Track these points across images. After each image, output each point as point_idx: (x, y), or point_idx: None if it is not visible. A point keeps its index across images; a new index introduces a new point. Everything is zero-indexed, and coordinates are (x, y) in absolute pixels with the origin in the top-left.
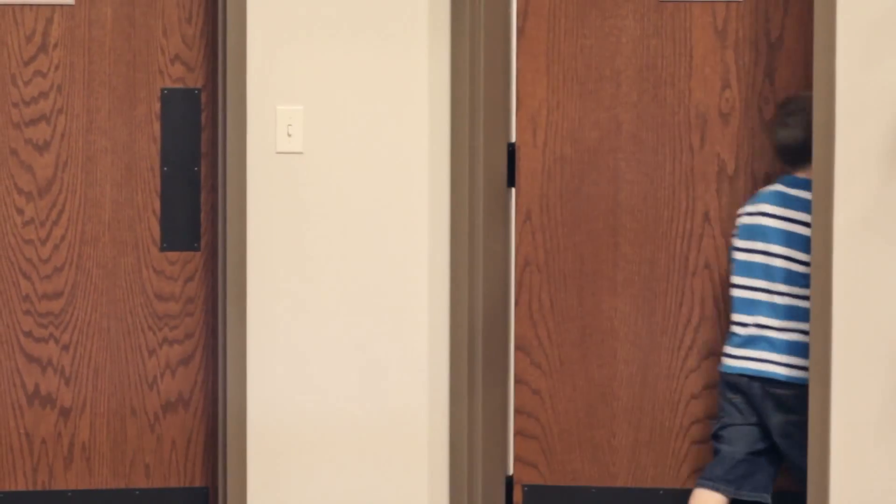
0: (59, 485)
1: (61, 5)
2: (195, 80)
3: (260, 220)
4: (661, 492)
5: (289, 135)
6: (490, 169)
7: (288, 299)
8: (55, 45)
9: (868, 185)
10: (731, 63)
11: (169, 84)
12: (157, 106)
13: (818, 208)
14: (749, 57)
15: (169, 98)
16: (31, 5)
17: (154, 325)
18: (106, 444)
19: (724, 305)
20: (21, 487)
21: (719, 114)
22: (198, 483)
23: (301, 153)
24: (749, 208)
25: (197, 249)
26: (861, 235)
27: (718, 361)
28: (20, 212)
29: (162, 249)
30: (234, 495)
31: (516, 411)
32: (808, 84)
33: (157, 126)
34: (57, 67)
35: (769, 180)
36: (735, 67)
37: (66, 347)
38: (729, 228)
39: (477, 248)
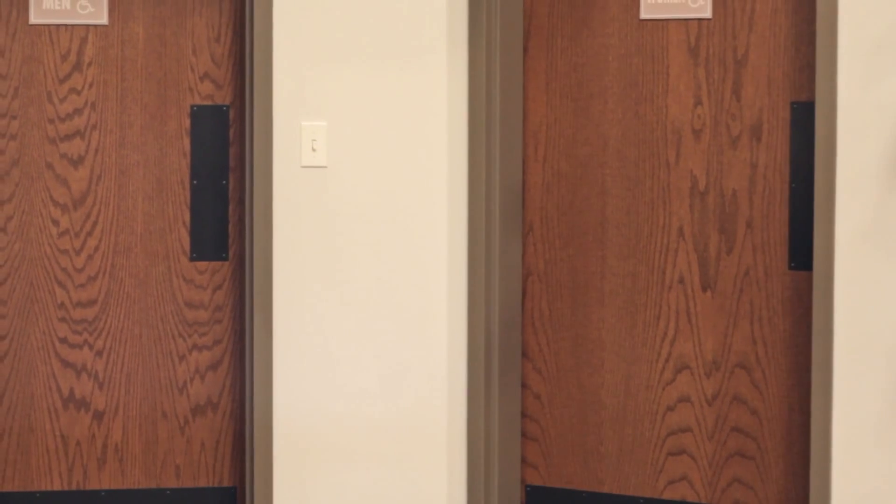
0: (93, 485)
1: (95, 25)
2: (224, 97)
3: (285, 232)
4: (642, 501)
5: (313, 150)
6: (506, 182)
7: (312, 307)
8: (89, 64)
9: (868, 198)
10: (703, 80)
11: (198, 101)
12: (186, 122)
13: (820, 220)
14: (718, 74)
15: (198, 114)
16: (66, 25)
17: (184, 331)
18: (138, 446)
19: (696, 321)
20: (57, 487)
21: (692, 130)
22: (226, 483)
23: (325, 167)
24: None
25: (225, 259)
26: (862, 246)
27: (690, 376)
28: (56, 223)
29: (192, 259)
30: (261, 494)
31: (521, 414)
32: (771, 100)
33: (186, 141)
34: (91, 85)
35: (736, 197)
36: (706, 84)
37: (99, 353)
38: (701, 244)
39: (493, 258)
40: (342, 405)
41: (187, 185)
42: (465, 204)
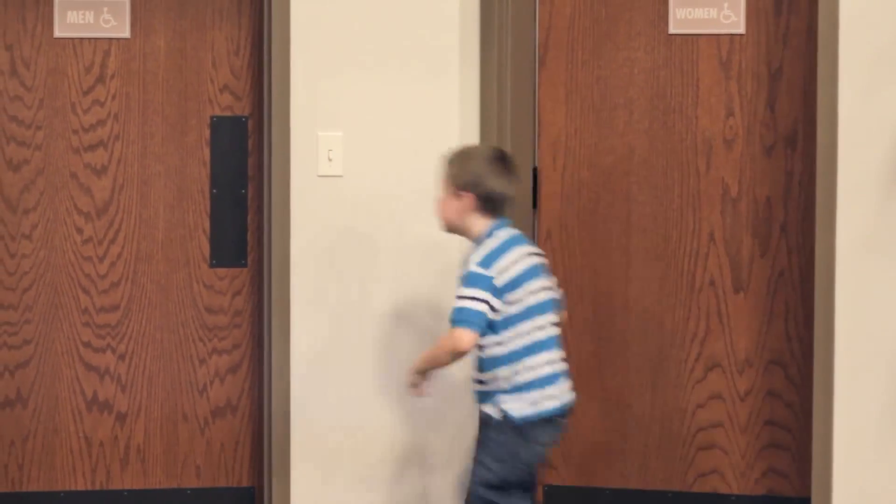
0: (116, 485)
1: (118, 39)
2: (242, 109)
3: (302, 239)
4: (670, 494)
5: (329, 159)
6: (516, 192)
7: (328, 312)
8: (112, 76)
9: (868, 207)
10: (735, 93)
11: (218, 112)
12: (206, 132)
13: (822, 228)
14: (751, 87)
15: (218, 125)
16: (89, 39)
17: (204, 336)
18: (159, 447)
19: (728, 321)
20: (81, 487)
21: (723, 140)
22: (245, 483)
23: (341, 176)
24: (525, 249)
25: (244, 266)
26: (862, 253)
27: (722, 374)
28: (80, 231)
29: (211, 266)
30: (279, 494)
31: None
32: (807, 112)
33: (206, 151)
34: (114, 97)
35: (770, 204)
36: (738, 97)
37: (122, 357)
38: (733, 248)
39: None
40: (357, 408)
41: (207, 194)
42: None
